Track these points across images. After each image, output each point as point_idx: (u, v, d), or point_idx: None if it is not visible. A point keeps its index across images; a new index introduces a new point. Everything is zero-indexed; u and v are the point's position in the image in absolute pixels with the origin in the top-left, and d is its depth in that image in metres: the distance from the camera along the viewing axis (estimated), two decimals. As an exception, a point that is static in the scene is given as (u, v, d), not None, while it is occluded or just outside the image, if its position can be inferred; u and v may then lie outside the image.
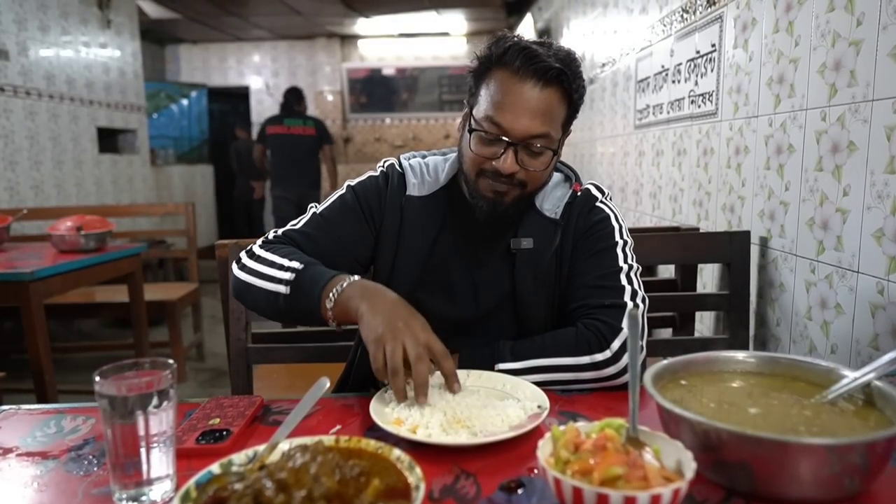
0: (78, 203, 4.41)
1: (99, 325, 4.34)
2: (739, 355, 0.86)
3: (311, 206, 1.17)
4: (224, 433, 0.84)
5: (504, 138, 1.00)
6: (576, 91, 1.03)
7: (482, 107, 1.03)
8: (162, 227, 5.46)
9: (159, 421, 0.69)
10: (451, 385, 0.90)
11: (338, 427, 0.87)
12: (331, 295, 0.96)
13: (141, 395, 0.67)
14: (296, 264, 1.02)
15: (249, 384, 1.46)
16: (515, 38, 1.02)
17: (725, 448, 0.66)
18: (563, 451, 0.65)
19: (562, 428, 0.69)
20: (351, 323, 0.98)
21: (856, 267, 1.25)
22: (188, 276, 3.66)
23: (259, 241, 1.12)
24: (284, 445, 0.70)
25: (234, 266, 1.09)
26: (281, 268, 1.03)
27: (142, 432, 0.68)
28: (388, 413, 0.86)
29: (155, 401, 0.68)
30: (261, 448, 0.70)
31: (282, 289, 1.01)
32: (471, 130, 1.04)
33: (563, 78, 1.00)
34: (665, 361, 0.83)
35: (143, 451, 0.68)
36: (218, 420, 0.87)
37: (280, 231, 1.13)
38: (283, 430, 0.74)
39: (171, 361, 0.72)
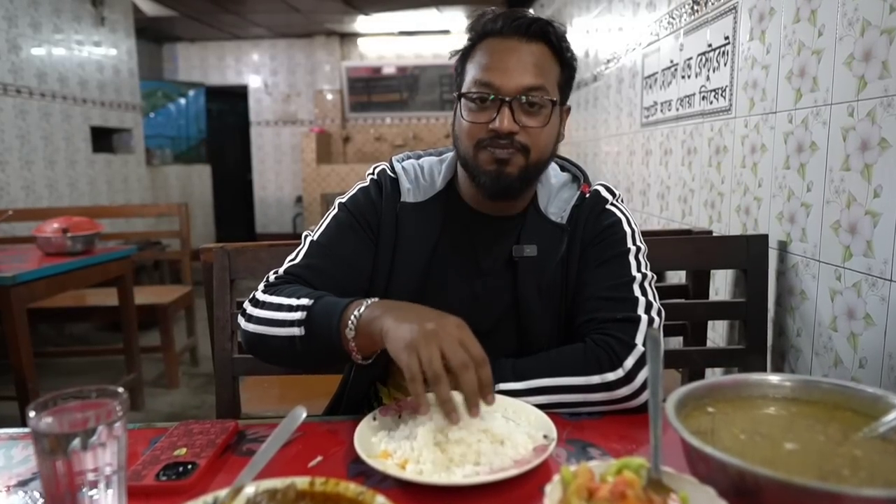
0: (71, 204, 4.31)
1: (91, 329, 4.25)
2: (773, 379, 0.76)
3: (306, 234, 1.07)
4: (189, 467, 0.74)
5: (497, 97, 0.94)
6: (566, 50, 0.99)
7: (470, 76, 0.98)
8: (158, 228, 5.36)
9: (103, 457, 0.59)
10: (486, 397, 0.76)
11: (318, 459, 0.77)
12: (350, 323, 0.84)
13: (84, 431, 0.58)
14: (304, 301, 0.91)
15: (235, 397, 1.36)
16: (493, 10, 1.00)
17: (763, 494, 0.56)
18: (575, 498, 0.56)
19: (573, 468, 0.59)
20: (377, 351, 0.86)
21: (888, 275, 1.15)
22: (184, 279, 3.57)
23: (261, 286, 1.00)
24: (250, 489, 0.60)
25: (241, 319, 0.97)
26: (290, 308, 0.91)
27: (80, 469, 0.58)
28: (374, 444, 0.76)
29: (99, 436, 0.59)
30: (222, 493, 0.60)
31: (295, 331, 0.90)
32: (460, 97, 0.99)
33: (549, 31, 0.96)
34: (688, 386, 0.73)
35: (83, 493, 0.59)
36: (184, 450, 0.78)
37: (281, 270, 1.02)
38: (250, 470, 0.63)
39: (120, 390, 0.62)
